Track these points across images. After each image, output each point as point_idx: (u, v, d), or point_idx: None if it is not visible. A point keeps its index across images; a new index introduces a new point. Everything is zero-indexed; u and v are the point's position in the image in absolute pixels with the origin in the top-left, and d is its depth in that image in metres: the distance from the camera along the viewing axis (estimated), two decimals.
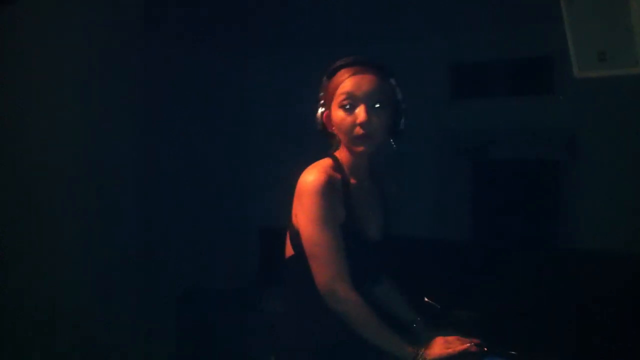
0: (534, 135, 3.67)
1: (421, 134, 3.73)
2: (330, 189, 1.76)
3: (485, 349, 1.79)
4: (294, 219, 1.84)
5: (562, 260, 3.04)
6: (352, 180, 1.88)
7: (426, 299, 2.21)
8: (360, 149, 1.82)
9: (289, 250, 1.87)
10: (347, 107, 1.79)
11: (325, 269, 1.73)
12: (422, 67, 3.91)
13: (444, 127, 4.00)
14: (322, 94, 1.90)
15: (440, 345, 1.73)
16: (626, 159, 3.31)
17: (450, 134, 3.95)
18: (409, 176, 3.74)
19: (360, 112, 1.78)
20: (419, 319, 2.04)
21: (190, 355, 3.65)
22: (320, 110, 1.90)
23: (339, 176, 1.83)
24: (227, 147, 4.33)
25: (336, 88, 1.83)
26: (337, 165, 1.87)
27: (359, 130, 1.79)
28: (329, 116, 1.87)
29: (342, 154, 1.89)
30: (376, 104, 1.79)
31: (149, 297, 3.30)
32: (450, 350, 1.72)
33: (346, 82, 1.80)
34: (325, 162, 1.86)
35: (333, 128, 1.86)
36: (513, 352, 1.69)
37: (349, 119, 1.79)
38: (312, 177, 1.77)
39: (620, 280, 2.71)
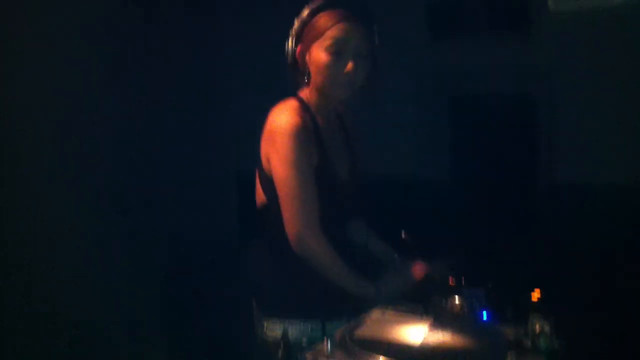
0: (510, 71, 3.68)
1: (399, 72, 3.73)
2: (304, 132, 1.75)
3: (463, 282, 1.86)
4: (264, 163, 1.81)
5: (540, 193, 3.11)
6: (320, 121, 1.86)
7: (404, 234, 2.26)
8: (341, 96, 1.81)
9: (260, 197, 1.87)
10: (334, 52, 1.76)
11: (297, 216, 1.73)
12: (399, 5, 3.87)
13: (421, 64, 3.99)
14: (299, 28, 1.83)
15: (395, 277, 1.82)
16: (601, 94, 3.35)
17: (428, 71, 3.95)
18: (387, 114, 3.75)
19: (349, 61, 1.76)
20: (396, 255, 2.06)
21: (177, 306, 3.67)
22: (294, 44, 1.84)
23: (309, 117, 1.81)
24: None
25: (322, 29, 1.77)
26: (304, 106, 1.83)
27: (344, 79, 1.77)
28: (304, 54, 1.82)
29: (309, 94, 1.86)
30: (363, 53, 1.78)
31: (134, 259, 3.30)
32: (402, 280, 1.81)
33: (336, 28, 1.76)
34: (293, 103, 1.82)
35: (309, 67, 1.81)
36: (490, 285, 1.75)
37: (334, 65, 1.76)
38: (285, 118, 1.75)
39: (599, 212, 2.78)
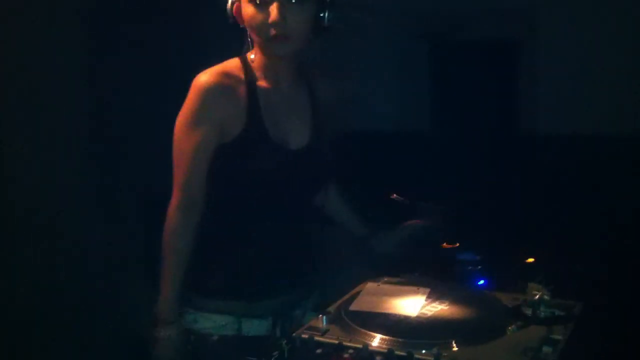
0: (494, 16, 3.58)
1: (376, 18, 3.60)
2: (221, 93, 1.58)
3: (458, 244, 1.82)
4: None
5: (525, 146, 3.06)
6: (265, 84, 1.65)
7: (394, 195, 2.20)
8: (277, 52, 1.60)
9: None
10: (257, 1, 1.53)
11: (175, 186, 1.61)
12: None
13: (400, 10, 3.86)
14: None
15: None
16: (588, 41, 3.28)
17: (407, 17, 3.82)
18: (367, 64, 3.65)
19: (273, 9, 1.51)
20: (378, 233, 1.92)
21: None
22: (231, 0, 1.62)
23: (242, 78, 1.62)
24: None
25: None
26: (245, 67, 1.64)
27: (272, 32, 1.53)
28: (239, 9, 1.60)
29: (255, 54, 1.65)
30: None
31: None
32: None
33: None
34: (230, 63, 1.65)
35: (245, 24, 1.61)
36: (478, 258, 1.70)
37: (259, 16, 1.54)
38: (203, 77, 1.59)
39: (585, 164, 2.74)
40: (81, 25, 2.99)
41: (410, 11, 3.83)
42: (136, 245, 3.04)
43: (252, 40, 1.64)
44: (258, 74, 1.65)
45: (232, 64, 1.66)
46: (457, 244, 1.82)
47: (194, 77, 1.61)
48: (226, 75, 1.61)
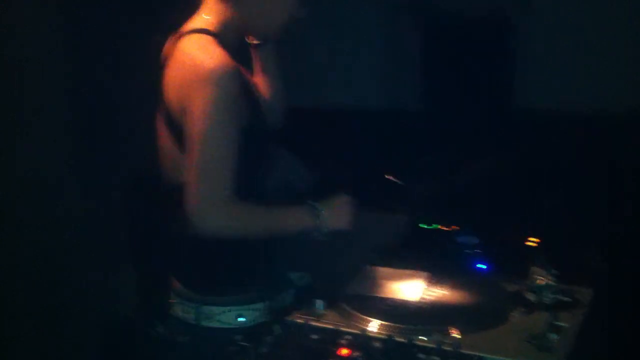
0: None
1: None
2: (238, 78, 1.45)
3: (456, 227, 1.78)
4: (175, 113, 1.48)
5: (519, 124, 3.00)
6: (241, 65, 1.53)
7: (387, 177, 2.15)
8: (276, 36, 1.59)
9: (165, 152, 1.55)
10: None
11: (204, 186, 1.39)
12: None
13: None
14: None
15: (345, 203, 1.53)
16: (583, 16, 3.23)
17: None
18: (355, 40, 3.57)
19: None
20: None
21: None
22: None
23: (232, 61, 1.47)
24: None
25: None
26: (226, 48, 1.48)
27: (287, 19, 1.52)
28: None
29: (217, 26, 1.51)
30: None
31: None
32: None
33: None
34: (211, 44, 1.47)
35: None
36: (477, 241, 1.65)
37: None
38: (214, 59, 1.42)
39: (581, 141, 2.69)
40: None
41: None
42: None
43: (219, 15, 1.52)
44: (234, 55, 1.51)
45: (213, 44, 1.48)
46: (455, 227, 1.77)
47: None
48: (229, 58, 1.46)
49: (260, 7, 1.53)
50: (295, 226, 1.50)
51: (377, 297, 1.46)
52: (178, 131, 1.47)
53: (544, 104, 3.26)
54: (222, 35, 1.50)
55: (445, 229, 1.77)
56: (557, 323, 1.29)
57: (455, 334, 1.26)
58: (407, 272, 1.56)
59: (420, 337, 1.25)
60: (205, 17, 1.53)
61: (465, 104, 3.40)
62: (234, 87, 1.43)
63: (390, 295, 1.45)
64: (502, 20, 3.60)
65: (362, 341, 1.27)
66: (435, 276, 1.53)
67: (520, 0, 3.52)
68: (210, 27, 1.51)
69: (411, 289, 1.48)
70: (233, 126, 1.43)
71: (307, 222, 1.49)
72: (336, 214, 1.51)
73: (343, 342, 1.28)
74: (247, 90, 1.50)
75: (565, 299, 1.38)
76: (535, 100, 3.35)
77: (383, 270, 1.59)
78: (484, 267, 1.56)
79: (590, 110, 2.94)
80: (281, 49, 1.70)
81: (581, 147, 2.66)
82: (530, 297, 1.40)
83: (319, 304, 1.41)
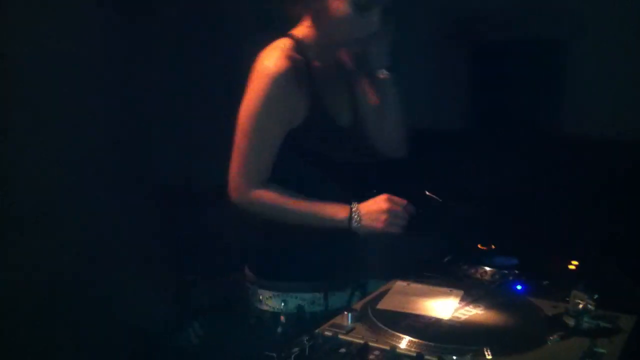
0: (536, 14, 3.47)
1: (413, 15, 3.51)
2: (291, 78, 1.56)
3: (494, 246, 1.73)
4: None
5: (568, 148, 2.92)
6: (318, 64, 1.65)
7: (427, 192, 2.12)
8: (357, 50, 1.65)
9: None
10: (358, 3, 1.52)
11: (240, 170, 1.60)
12: None
13: (438, 8, 3.76)
14: None
15: (382, 201, 1.59)
16: (637, 36, 3.13)
17: (445, 16, 3.73)
18: (400, 62, 3.55)
19: (375, 17, 1.55)
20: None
21: None
22: None
23: (301, 59, 1.60)
24: None
25: None
26: (298, 47, 1.62)
27: (366, 34, 1.56)
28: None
29: (307, 33, 1.64)
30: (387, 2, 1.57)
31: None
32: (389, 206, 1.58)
33: None
34: (284, 44, 1.61)
35: (319, 13, 1.57)
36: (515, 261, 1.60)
37: (359, 20, 1.55)
38: (272, 60, 1.56)
39: (629, 167, 2.61)
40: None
41: (448, 11, 3.74)
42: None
43: (299, 20, 1.64)
44: (311, 54, 1.64)
45: (287, 45, 1.61)
46: (493, 247, 1.72)
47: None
48: (291, 59, 1.58)
49: (331, 27, 1.59)
50: (330, 218, 1.60)
51: (408, 313, 1.42)
52: None
53: (593, 128, 3.17)
54: (306, 44, 1.63)
55: (483, 248, 1.72)
56: (595, 349, 1.23)
57: (488, 355, 1.22)
58: (440, 289, 1.52)
59: (451, 357, 1.21)
60: (305, 26, 1.66)
61: (513, 127, 3.35)
62: (284, 87, 1.55)
63: (422, 312, 1.41)
64: (552, 43, 3.55)
65: (392, 357, 1.24)
66: (470, 294, 1.48)
67: (572, 24, 3.46)
68: (299, 34, 1.64)
69: (444, 306, 1.43)
70: (273, 122, 1.57)
71: (341, 215, 1.59)
72: (372, 213, 1.58)
73: (371, 357, 1.25)
74: (302, 97, 1.59)
75: (606, 325, 1.32)
76: (584, 124, 3.27)
77: (416, 287, 1.55)
78: (521, 288, 1.51)
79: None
80: (400, 84, 1.77)
81: (630, 173, 2.58)
82: (570, 321, 1.34)
83: (348, 316, 1.38)
